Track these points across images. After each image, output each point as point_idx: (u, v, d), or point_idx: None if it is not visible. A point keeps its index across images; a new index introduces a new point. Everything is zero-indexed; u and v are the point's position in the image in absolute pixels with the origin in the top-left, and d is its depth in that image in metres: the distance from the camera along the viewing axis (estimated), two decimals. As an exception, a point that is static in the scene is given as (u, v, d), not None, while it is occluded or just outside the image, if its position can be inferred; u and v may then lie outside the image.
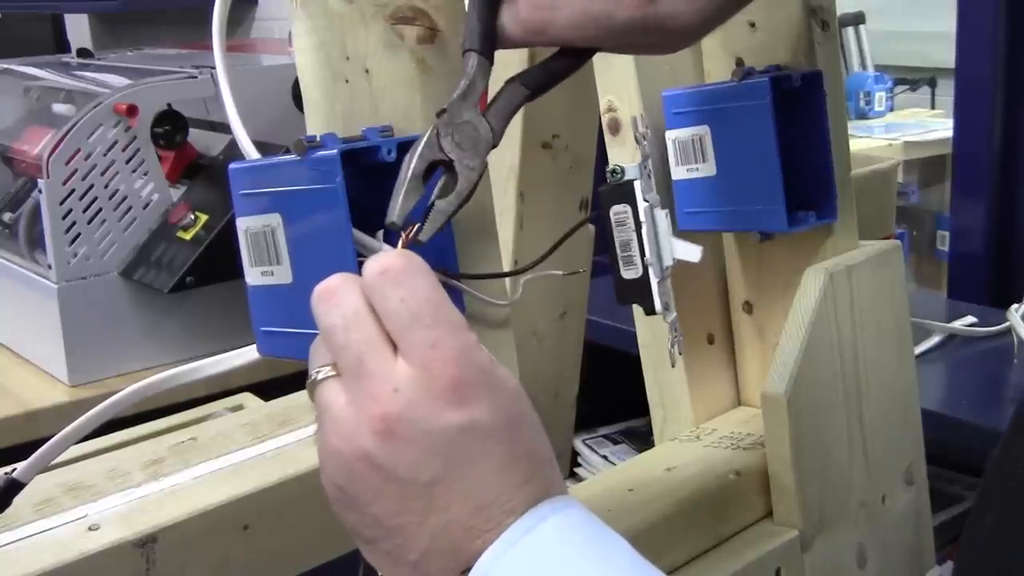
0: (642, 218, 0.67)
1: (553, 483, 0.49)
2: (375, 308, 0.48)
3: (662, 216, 0.68)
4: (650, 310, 0.68)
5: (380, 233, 0.55)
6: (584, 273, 1.01)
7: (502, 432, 0.47)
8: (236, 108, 0.62)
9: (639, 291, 0.68)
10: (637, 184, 0.67)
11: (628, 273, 0.68)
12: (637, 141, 0.72)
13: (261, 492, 0.82)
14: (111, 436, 1.01)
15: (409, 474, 0.47)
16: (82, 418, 0.63)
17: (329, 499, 0.50)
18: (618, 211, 0.68)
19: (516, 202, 0.92)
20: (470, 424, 0.47)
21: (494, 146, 0.55)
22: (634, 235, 0.68)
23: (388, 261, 0.48)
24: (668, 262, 0.68)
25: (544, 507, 0.47)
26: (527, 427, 0.49)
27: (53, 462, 0.88)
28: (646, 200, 0.67)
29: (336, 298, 0.49)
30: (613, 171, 0.68)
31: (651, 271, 0.68)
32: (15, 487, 0.64)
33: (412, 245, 0.53)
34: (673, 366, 0.80)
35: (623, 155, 0.80)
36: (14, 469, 0.65)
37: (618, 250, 0.68)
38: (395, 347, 0.47)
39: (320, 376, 0.49)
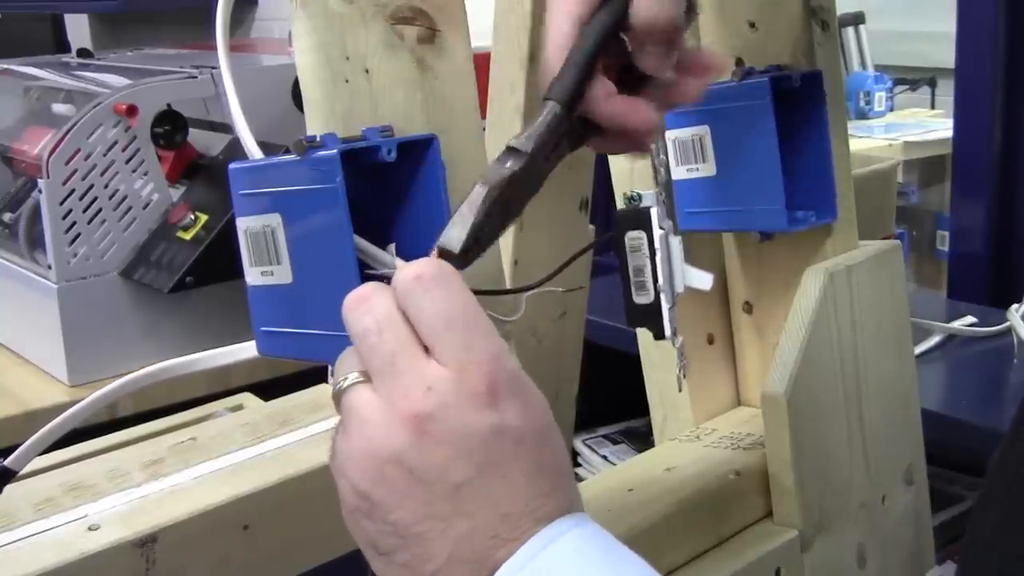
0: (657, 245, 0.67)
1: (574, 498, 0.48)
2: (407, 314, 0.47)
3: (676, 243, 0.68)
4: (660, 335, 0.68)
5: (392, 247, 0.55)
6: (584, 277, 1.00)
7: (532, 439, 0.47)
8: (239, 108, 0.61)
9: (650, 316, 0.68)
10: (654, 211, 0.67)
11: (640, 298, 0.68)
12: (654, 168, 0.71)
13: (261, 492, 0.82)
14: (111, 436, 1.02)
15: (438, 476, 0.45)
16: (76, 407, 0.63)
17: (344, 509, 0.48)
18: (633, 237, 0.68)
19: (516, 202, 0.92)
20: (503, 428, 0.46)
21: (521, 151, 0.52)
22: (648, 261, 0.68)
23: (421, 268, 0.48)
24: (679, 289, 0.68)
25: (564, 521, 0.47)
26: (554, 438, 0.48)
27: (53, 462, 0.89)
28: (662, 228, 0.68)
29: (369, 303, 0.48)
30: (631, 197, 0.68)
31: (663, 297, 0.68)
32: (7, 475, 0.64)
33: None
34: (680, 391, 0.80)
35: (622, 156, 0.80)
36: (5, 458, 0.64)
37: (631, 275, 0.68)
38: (427, 351, 0.47)
39: (347, 383, 0.48)
